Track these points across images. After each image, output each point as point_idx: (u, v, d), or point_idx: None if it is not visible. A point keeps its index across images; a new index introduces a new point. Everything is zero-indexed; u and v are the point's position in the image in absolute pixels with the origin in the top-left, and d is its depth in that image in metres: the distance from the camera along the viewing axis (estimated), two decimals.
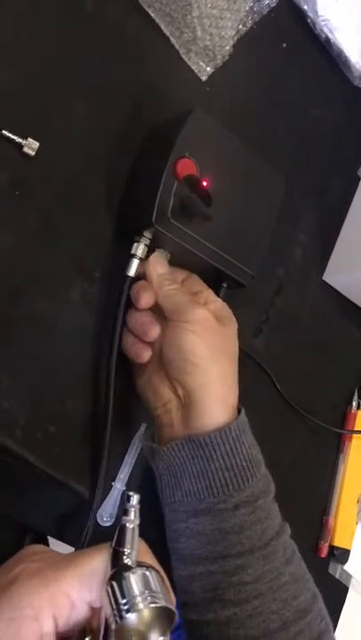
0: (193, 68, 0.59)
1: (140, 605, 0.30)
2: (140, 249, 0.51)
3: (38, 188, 0.50)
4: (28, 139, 0.48)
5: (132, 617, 0.30)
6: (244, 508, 0.46)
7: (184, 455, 0.47)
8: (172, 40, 0.57)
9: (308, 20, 0.67)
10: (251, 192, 0.55)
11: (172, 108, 0.58)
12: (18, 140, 0.48)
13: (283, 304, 0.65)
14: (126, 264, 0.51)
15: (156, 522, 0.52)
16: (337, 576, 0.66)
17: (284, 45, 0.67)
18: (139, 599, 0.30)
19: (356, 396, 0.70)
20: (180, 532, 0.48)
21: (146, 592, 0.30)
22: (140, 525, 0.33)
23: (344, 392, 0.71)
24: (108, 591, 0.31)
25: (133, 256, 0.51)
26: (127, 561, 0.32)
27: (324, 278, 0.69)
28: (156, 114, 0.57)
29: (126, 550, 0.32)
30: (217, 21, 0.58)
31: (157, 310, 0.51)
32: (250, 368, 0.62)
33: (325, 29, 0.68)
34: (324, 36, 0.68)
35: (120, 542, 0.32)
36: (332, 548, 0.66)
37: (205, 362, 0.47)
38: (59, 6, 0.52)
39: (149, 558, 0.34)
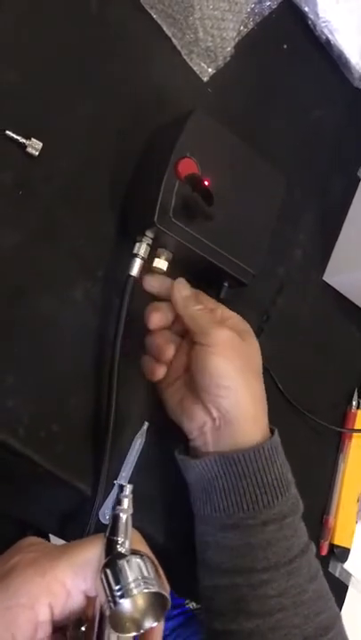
0: (195, 69, 0.59)
1: (134, 591, 0.31)
2: (142, 248, 0.51)
3: (41, 188, 0.50)
4: (32, 139, 0.49)
5: (125, 603, 0.31)
6: (272, 524, 0.47)
7: (216, 470, 0.48)
8: (174, 41, 0.58)
9: (309, 22, 0.68)
10: (251, 191, 0.55)
11: (174, 109, 0.58)
12: (21, 140, 0.48)
13: (283, 304, 0.66)
14: (129, 263, 0.51)
15: (156, 521, 0.53)
16: (337, 574, 0.66)
17: (285, 47, 0.67)
18: (132, 585, 0.31)
19: (356, 396, 0.70)
20: (208, 545, 0.49)
21: (139, 578, 0.31)
22: (133, 516, 0.33)
23: (344, 392, 0.71)
24: (102, 579, 0.31)
25: (136, 256, 0.51)
26: (121, 549, 0.32)
27: (324, 278, 0.69)
28: (157, 114, 0.57)
29: (120, 539, 0.33)
30: (218, 23, 0.58)
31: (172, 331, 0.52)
32: None
33: (326, 31, 0.68)
34: (324, 37, 0.69)
35: (114, 531, 0.33)
36: (332, 546, 0.66)
37: (236, 383, 0.48)
38: (61, 7, 0.53)
39: (143, 547, 0.35)
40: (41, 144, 0.49)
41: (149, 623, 0.32)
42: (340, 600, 0.68)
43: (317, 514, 0.68)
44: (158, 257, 0.52)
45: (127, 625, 0.32)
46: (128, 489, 0.33)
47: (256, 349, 0.52)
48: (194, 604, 0.95)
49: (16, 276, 0.49)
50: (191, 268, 0.55)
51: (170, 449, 0.53)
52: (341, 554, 0.66)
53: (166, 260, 0.52)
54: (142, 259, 0.51)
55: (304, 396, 0.67)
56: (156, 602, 0.32)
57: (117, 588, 0.31)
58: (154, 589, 0.31)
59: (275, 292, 0.65)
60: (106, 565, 0.32)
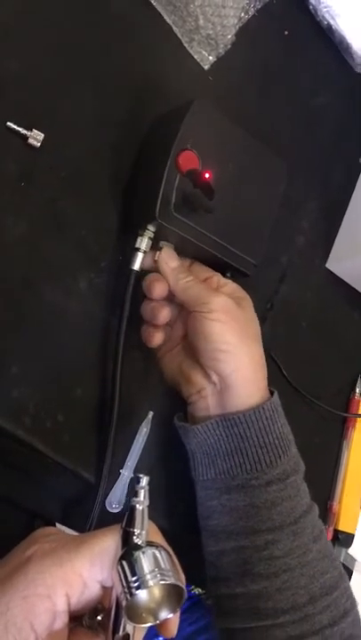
0: (195, 57, 0.59)
1: (150, 582, 0.31)
2: (144, 242, 0.51)
3: (44, 179, 0.50)
4: (33, 130, 0.49)
5: (142, 594, 0.31)
6: (275, 484, 0.47)
7: (218, 434, 0.49)
8: (175, 29, 0.57)
9: (310, 7, 0.67)
10: (252, 180, 0.55)
11: (175, 97, 0.58)
12: (23, 131, 0.48)
13: (286, 292, 0.66)
14: (131, 257, 0.52)
15: (158, 507, 0.53)
16: (341, 560, 0.67)
17: (286, 33, 0.67)
18: (148, 577, 0.31)
19: (359, 382, 0.71)
20: (212, 509, 0.50)
21: (156, 570, 0.31)
22: (150, 507, 0.33)
23: (348, 378, 0.72)
24: (118, 570, 0.32)
25: (138, 250, 0.51)
26: (137, 541, 0.33)
27: (327, 266, 0.69)
28: (158, 103, 0.57)
29: (136, 530, 0.33)
30: (219, 10, 0.58)
31: (171, 301, 0.52)
32: None
33: (327, 16, 0.68)
34: (325, 22, 0.68)
35: (130, 523, 0.33)
36: (336, 532, 0.67)
37: (234, 347, 0.49)
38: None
39: (159, 539, 0.35)
40: (42, 135, 0.49)
41: (165, 614, 0.33)
42: None
43: (322, 500, 0.68)
44: (160, 249, 0.52)
45: (143, 615, 0.33)
46: (144, 480, 0.34)
47: (252, 315, 0.52)
48: (199, 590, 0.96)
49: (20, 266, 0.49)
50: (193, 259, 0.55)
51: (174, 436, 0.54)
52: (346, 539, 0.67)
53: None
54: (144, 252, 0.51)
55: (308, 382, 0.68)
56: (173, 593, 0.33)
57: (134, 579, 0.31)
58: (170, 581, 0.31)
59: (278, 281, 0.65)
60: (122, 557, 0.32)
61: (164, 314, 0.51)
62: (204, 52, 0.59)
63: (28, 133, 0.49)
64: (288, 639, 0.47)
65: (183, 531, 0.55)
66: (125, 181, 0.54)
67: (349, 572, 0.68)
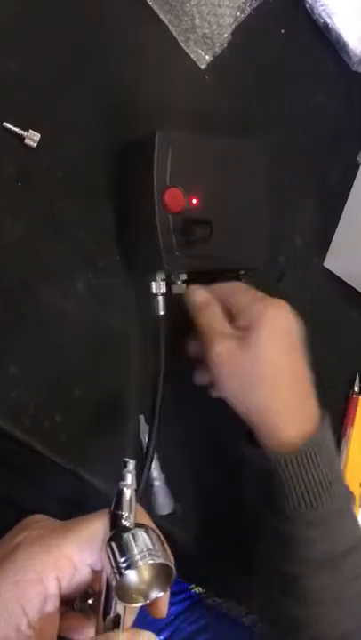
0: (192, 56, 0.59)
1: (139, 562, 0.31)
2: (160, 287, 0.52)
3: (40, 180, 0.50)
4: (30, 130, 0.49)
5: (131, 574, 0.32)
6: (314, 527, 0.46)
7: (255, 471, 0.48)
8: (171, 28, 0.57)
9: (307, 6, 0.67)
10: (238, 182, 0.54)
11: (172, 97, 0.58)
12: (19, 131, 0.48)
13: (285, 291, 0.66)
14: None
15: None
16: None
17: (283, 31, 0.67)
18: (137, 557, 0.31)
19: (357, 381, 0.71)
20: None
21: (144, 550, 0.32)
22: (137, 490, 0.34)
23: (346, 377, 0.72)
24: (107, 551, 0.32)
25: (156, 295, 0.51)
26: (125, 523, 0.33)
27: (325, 264, 0.69)
28: (155, 102, 0.57)
29: (124, 513, 0.33)
30: (215, 9, 0.58)
31: None
32: None
33: (324, 14, 0.67)
34: (322, 21, 0.68)
35: (118, 506, 0.33)
36: None
37: (233, 395, 0.48)
38: None
39: (147, 521, 0.35)
40: (39, 135, 0.49)
41: (155, 593, 0.33)
42: None
43: None
44: (174, 283, 0.52)
45: (133, 596, 0.33)
46: (131, 464, 0.34)
47: (270, 346, 0.49)
48: (199, 589, 0.96)
49: (17, 266, 0.49)
50: (205, 277, 0.54)
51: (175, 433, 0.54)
52: None
53: (182, 282, 0.53)
54: (163, 295, 0.51)
55: None
56: (162, 572, 0.33)
57: (123, 559, 0.31)
58: (159, 560, 0.32)
59: (275, 281, 0.65)
60: (111, 539, 0.32)
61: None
62: (200, 52, 0.59)
63: (25, 134, 0.48)
64: None
65: (183, 528, 0.55)
66: (122, 182, 0.54)
67: None
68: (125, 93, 0.55)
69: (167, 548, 0.34)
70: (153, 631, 0.94)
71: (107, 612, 0.32)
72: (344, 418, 0.70)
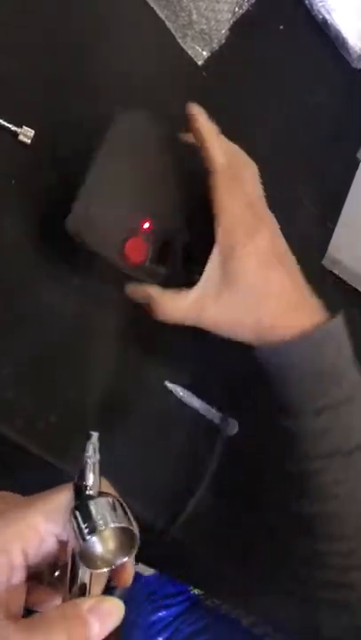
0: (189, 52, 0.58)
1: (102, 527, 0.31)
2: None
3: (35, 177, 0.50)
4: (23, 127, 0.48)
5: (93, 539, 0.32)
6: (325, 413, 0.45)
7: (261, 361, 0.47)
8: (168, 24, 0.57)
9: (306, 2, 0.67)
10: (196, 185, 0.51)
11: (169, 94, 0.58)
12: (13, 128, 0.48)
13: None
14: None
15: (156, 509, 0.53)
16: None
17: (282, 27, 0.66)
18: (100, 522, 0.31)
19: None
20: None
21: (107, 515, 0.32)
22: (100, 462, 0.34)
23: None
24: (71, 519, 0.32)
25: None
26: (89, 492, 0.33)
27: (323, 263, 0.69)
28: (152, 99, 0.56)
29: (88, 484, 0.33)
30: (213, 5, 0.57)
31: None
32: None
33: (323, 10, 0.67)
34: (321, 17, 0.67)
35: (82, 477, 0.33)
36: None
37: (237, 328, 0.47)
38: None
39: (112, 492, 0.35)
40: (33, 131, 0.48)
41: (120, 559, 0.33)
42: None
43: None
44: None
45: (98, 562, 0.33)
46: (95, 436, 0.34)
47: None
48: (197, 591, 0.95)
49: (13, 265, 0.49)
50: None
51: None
52: None
53: None
54: None
55: None
56: (125, 538, 0.33)
57: (85, 525, 0.31)
58: (120, 524, 0.32)
59: None
60: (75, 507, 0.33)
61: None
62: (197, 48, 0.58)
63: (19, 130, 0.48)
64: (335, 567, 0.47)
65: (182, 529, 0.55)
66: None
67: None
68: (120, 90, 0.55)
69: (130, 515, 0.34)
70: (152, 633, 0.93)
71: (73, 581, 0.32)
72: None
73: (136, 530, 0.32)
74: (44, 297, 0.50)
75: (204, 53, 0.59)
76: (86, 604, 0.31)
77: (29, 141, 0.48)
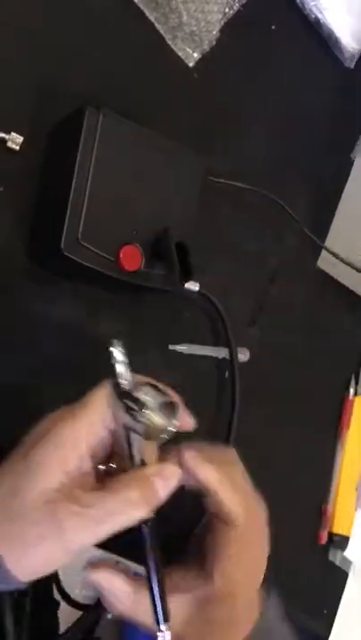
0: (180, 54, 0.58)
1: (150, 404, 0.37)
2: None
3: (24, 183, 0.49)
4: (12, 133, 0.47)
5: (145, 416, 0.37)
6: None
7: None
8: (158, 26, 0.56)
9: (298, 1, 0.66)
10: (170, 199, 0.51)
11: (161, 97, 0.57)
12: (1, 134, 0.47)
13: (277, 293, 0.65)
14: None
15: None
16: (337, 563, 0.66)
17: (273, 27, 0.65)
18: (147, 401, 0.37)
19: (353, 383, 0.70)
20: None
21: (148, 395, 0.38)
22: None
23: (341, 379, 0.71)
24: (121, 408, 0.36)
25: None
26: (126, 384, 0.37)
27: (318, 265, 0.68)
28: (144, 102, 0.56)
29: (127, 379, 0.37)
30: (203, 6, 0.57)
31: None
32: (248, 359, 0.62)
33: (315, 10, 0.66)
34: (313, 16, 0.67)
35: (117, 376, 0.37)
36: (331, 535, 0.66)
37: None
38: None
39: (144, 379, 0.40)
40: (22, 138, 0.48)
41: (169, 426, 0.38)
42: (340, 588, 0.68)
43: (316, 503, 0.67)
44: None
45: (152, 435, 0.38)
46: (115, 342, 0.37)
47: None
48: None
49: (2, 273, 0.48)
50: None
51: None
52: (341, 542, 0.66)
53: None
54: None
55: (300, 384, 0.67)
56: (168, 409, 0.38)
57: (136, 407, 0.36)
58: (163, 399, 0.38)
59: (268, 282, 0.64)
60: (122, 397, 0.37)
61: None
62: (188, 49, 0.58)
63: (7, 137, 0.47)
64: None
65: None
66: None
67: (345, 575, 0.68)
68: (111, 94, 0.54)
69: (166, 390, 0.39)
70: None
71: (132, 458, 0.37)
72: (340, 420, 0.69)
73: (176, 399, 0.38)
74: (28, 306, 0.49)
75: (195, 55, 0.58)
76: (149, 470, 0.37)
77: (18, 148, 0.48)
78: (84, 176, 0.45)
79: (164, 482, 0.36)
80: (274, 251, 0.65)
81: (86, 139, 0.46)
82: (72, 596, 0.69)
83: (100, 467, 0.38)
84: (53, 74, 0.51)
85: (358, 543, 0.67)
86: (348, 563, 0.67)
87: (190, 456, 0.40)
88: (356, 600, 0.67)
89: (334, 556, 0.66)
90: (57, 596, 0.65)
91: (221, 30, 0.59)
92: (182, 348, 0.57)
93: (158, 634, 0.37)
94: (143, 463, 0.37)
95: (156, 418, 0.37)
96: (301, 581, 0.63)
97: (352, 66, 0.70)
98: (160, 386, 0.39)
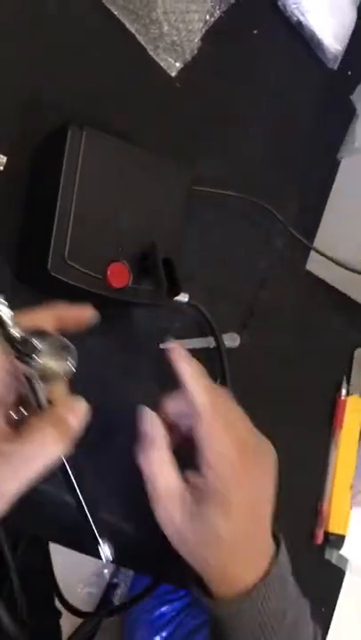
0: (162, 64, 0.58)
1: (40, 348, 0.37)
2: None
3: (9, 203, 0.49)
4: None
5: (38, 359, 0.37)
6: None
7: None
8: (139, 37, 0.56)
9: (279, 4, 0.66)
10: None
11: (145, 108, 0.57)
12: None
13: (267, 297, 0.65)
14: None
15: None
16: (333, 561, 0.67)
17: (255, 32, 0.65)
18: (37, 345, 0.37)
19: (344, 383, 0.70)
20: None
21: (38, 339, 0.37)
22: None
23: (333, 379, 0.71)
24: (15, 355, 0.37)
25: None
26: (15, 330, 0.37)
27: (307, 267, 0.69)
28: (128, 114, 0.56)
29: (9, 327, 0.37)
30: (183, 15, 0.57)
31: None
32: (239, 362, 0.62)
33: (296, 12, 0.66)
34: (295, 19, 0.66)
35: (3, 325, 0.37)
36: (327, 534, 0.67)
37: (190, 555, 0.45)
38: (16, 7, 0.50)
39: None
40: (5, 158, 0.48)
41: (65, 366, 0.38)
42: (337, 585, 0.69)
43: (312, 502, 0.68)
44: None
45: (51, 377, 0.38)
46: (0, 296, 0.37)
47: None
48: None
49: None
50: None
51: None
52: (337, 541, 0.67)
53: None
54: None
55: (293, 386, 0.67)
56: (61, 348, 0.38)
57: (27, 352, 0.37)
58: (58, 340, 0.38)
59: (258, 287, 0.65)
60: (10, 341, 0.37)
61: None
62: (170, 59, 0.58)
63: None
64: None
65: None
66: None
67: (341, 573, 0.69)
68: (94, 108, 0.54)
69: (54, 333, 0.39)
70: (156, 627, 0.94)
71: (39, 402, 0.38)
72: (332, 420, 0.70)
73: (64, 339, 0.38)
74: None
75: (177, 65, 0.58)
76: (58, 408, 0.38)
77: (2, 168, 0.48)
78: (69, 195, 0.46)
79: (74, 415, 0.38)
80: (263, 255, 0.65)
81: (70, 158, 0.46)
82: (73, 601, 0.69)
83: (11, 413, 0.39)
84: (35, 91, 0.51)
85: (354, 541, 0.68)
86: (345, 560, 0.68)
87: (175, 353, 0.47)
88: (354, 597, 0.68)
89: (331, 555, 0.67)
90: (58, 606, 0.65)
91: (203, 38, 0.59)
92: (173, 344, 0.57)
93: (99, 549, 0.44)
94: (51, 404, 0.39)
95: (50, 361, 0.38)
96: (298, 581, 0.64)
97: (335, 67, 0.70)
98: (49, 331, 0.39)
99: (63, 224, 0.45)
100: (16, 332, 0.37)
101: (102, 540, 0.46)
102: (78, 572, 1.34)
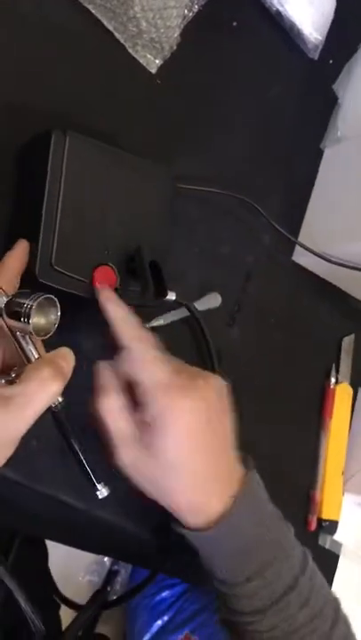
0: (141, 61, 0.57)
1: (31, 305, 0.39)
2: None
3: None
4: None
5: (31, 315, 0.39)
6: (254, 580, 0.46)
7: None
8: (117, 35, 0.56)
9: None
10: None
11: (125, 106, 0.57)
12: None
13: (254, 290, 0.66)
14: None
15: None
16: (327, 546, 0.69)
17: (235, 24, 0.65)
18: (28, 303, 0.39)
19: (333, 372, 0.71)
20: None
21: (27, 297, 0.40)
22: None
23: (322, 368, 0.72)
24: (7, 313, 0.40)
25: None
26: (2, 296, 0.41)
27: (293, 258, 0.69)
28: (108, 113, 0.56)
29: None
30: (161, 12, 0.56)
31: None
32: (230, 353, 0.63)
33: (276, 2, 0.66)
34: (274, 9, 0.66)
35: None
36: (320, 520, 0.68)
37: (153, 494, 0.46)
38: None
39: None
40: None
41: (54, 321, 0.41)
42: (332, 569, 0.71)
43: (304, 489, 0.69)
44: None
45: (41, 331, 0.41)
46: None
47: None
48: None
49: None
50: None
51: None
52: (330, 527, 0.68)
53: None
54: None
55: (283, 376, 0.68)
56: (50, 305, 0.41)
57: (18, 311, 0.39)
58: (42, 297, 0.40)
59: (244, 280, 0.65)
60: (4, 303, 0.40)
61: None
62: (149, 56, 0.57)
63: None
64: None
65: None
66: None
67: (336, 557, 0.70)
68: (77, 107, 0.54)
69: (41, 293, 0.41)
70: (157, 612, 0.96)
71: (27, 357, 0.41)
72: (322, 409, 0.71)
73: (48, 295, 0.40)
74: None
75: (157, 61, 0.58)
76: (48, 355, 0.41)
77: None
78: (54, 201, 0.46)
79: (64, 359, 0.40)
80: (249, 249, 0.66)
81: (54, 163, 0.46)
82: (75, 590, 0.70)
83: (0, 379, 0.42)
84: (19, 94, 0.51)
85: (347, 526, 0.69)
86: (339, 545, 0.70)
87: (104, 296, 0.47)
88: (349, 580, 0.70)
89: (324, 541, 0.69)
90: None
91: (182, 33, 0.59)
92: (158, 322, 0.58)
93: (97, 493, 0.45)
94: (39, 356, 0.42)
95: (38, 315, 0.40)
96: None
97: (316, 56, 0.70)
98: (29, 291, 0.41)
99: (49, 230, 0.46)
100: (5, 298, 0.41)
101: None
102: (79, 561, 1.35)
